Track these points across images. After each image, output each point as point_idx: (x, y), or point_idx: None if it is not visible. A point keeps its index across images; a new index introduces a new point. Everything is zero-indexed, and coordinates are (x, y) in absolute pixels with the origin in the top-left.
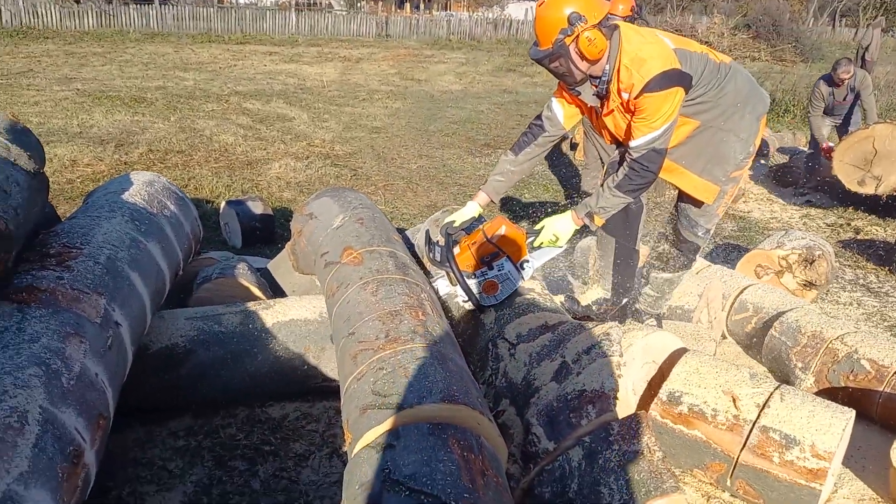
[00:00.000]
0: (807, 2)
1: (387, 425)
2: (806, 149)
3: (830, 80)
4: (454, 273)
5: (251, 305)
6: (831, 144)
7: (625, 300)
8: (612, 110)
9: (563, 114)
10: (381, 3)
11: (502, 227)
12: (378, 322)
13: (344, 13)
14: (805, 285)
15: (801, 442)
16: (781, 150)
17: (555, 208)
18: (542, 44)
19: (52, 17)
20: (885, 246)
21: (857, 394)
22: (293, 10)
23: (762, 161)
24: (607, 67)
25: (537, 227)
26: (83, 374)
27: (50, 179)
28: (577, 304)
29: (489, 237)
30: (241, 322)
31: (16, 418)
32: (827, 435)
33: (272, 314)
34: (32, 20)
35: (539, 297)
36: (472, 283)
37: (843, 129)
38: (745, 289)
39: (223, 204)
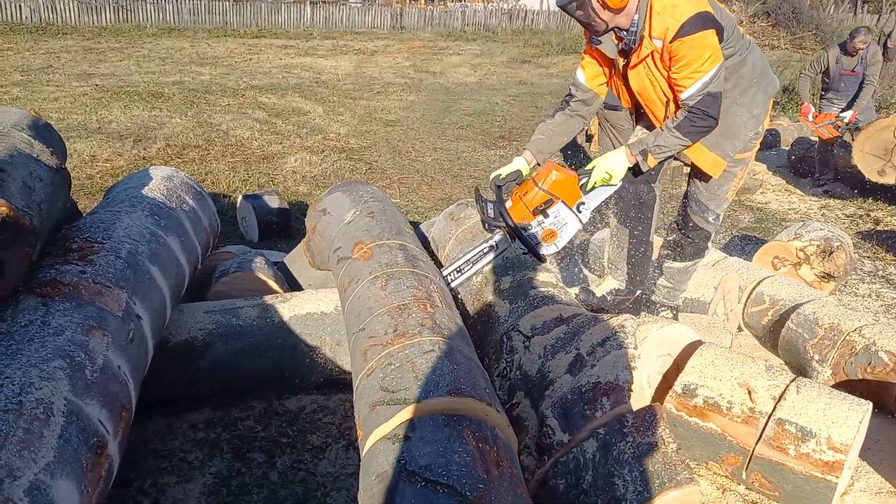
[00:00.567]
0: None
1: (395, 421)
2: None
3: (844, 48)
4: (509, 226)
5: (268, 299)
6: (812, 108)
7: (639, 291)
8: (641, 61)
9: (584, 77)
10: None
11: (552, 172)
12: (387, 317)
13: (358, 5)
14: (823, 277)
15: (818, 434)
16: (800, 141)
17: None
18: None
19: (70, 12)
20: None
21: (875, 386)
22: (308, 3)
23: (773, 151)
24: (636, 17)
25: (588, 167)
26: (106, 367)
27: (70, 175)
28: (592, 295)
29: (540, 185)
30: (258, 315)
31: (41, 410)
32: (843, 427)
33: (289, 307)
34: (51, 16)
35: (554, 290)
36: (530, 235)
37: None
38: (761, 281)
39: (240, 198)
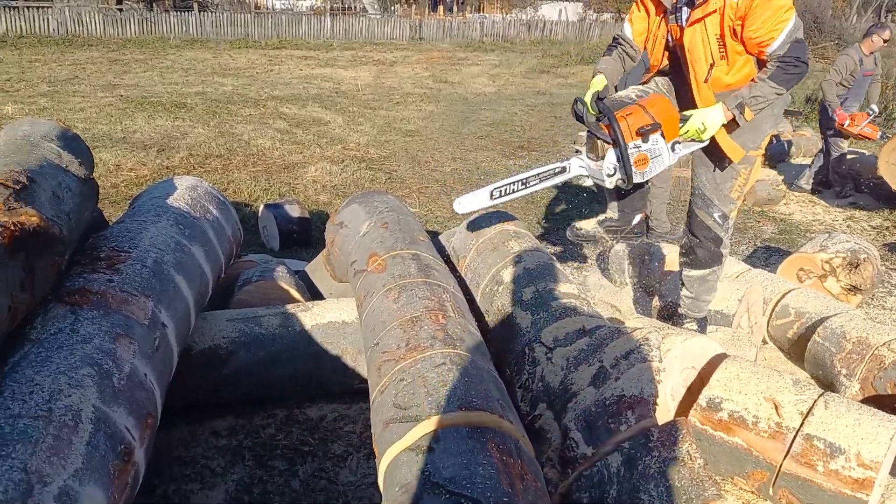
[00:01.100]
0: None
1: (407, 440)
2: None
3: (858, 49)
4: (618, 138)
5: (290, 308)
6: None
7: (637, 217)
8: (708, 15)
9: (632, 31)
10: (414, 6)
11: (660, 101)
12: (399, 330)
13: (378, 17)
14: (849, 290)
15: (847, 451)
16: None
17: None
18: None
19: (96, 24)
20: None
21: None
22: (328, 14)
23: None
24: None
25: (686, 113)
26: (133, 375)
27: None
28: (579, 229)
29: (648, 110)
30: (280, 324)
31: (70, 416)
32: (874, 444)
33: (311, 316)
34: (78, 28)
35: (576, 301)
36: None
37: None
38: (786, 293)
39: (261, 207)
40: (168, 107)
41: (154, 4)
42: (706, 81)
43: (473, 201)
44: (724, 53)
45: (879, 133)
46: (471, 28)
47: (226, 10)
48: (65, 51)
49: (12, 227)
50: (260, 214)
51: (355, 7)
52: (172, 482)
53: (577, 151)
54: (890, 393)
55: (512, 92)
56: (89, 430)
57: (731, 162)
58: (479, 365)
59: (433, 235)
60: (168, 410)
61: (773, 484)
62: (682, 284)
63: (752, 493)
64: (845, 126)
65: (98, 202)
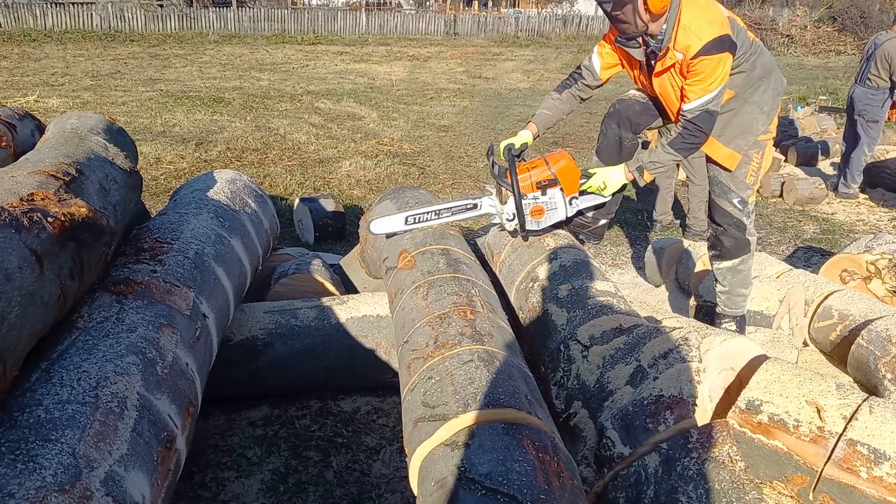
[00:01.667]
0: None
1: (436, 440)
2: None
3: None
4: (514, 189)
5: (326, 301)
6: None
7: (603, 220)
8: (666, 70)
9: (600, 65)
10: (449, 2)
11: (563, 160)
12: (428, 328)
13: (413, 12)
14: (895, 292)
15: (892, 458)
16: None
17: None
18: None
19: (137, 20)
20: None
21: None
22: (363, 10)
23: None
24: (665, 27)
25: (590, 170)
26: (175, 364)
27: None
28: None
29: (551, 166)
30: (316, 317)
31: (116, 403)
32: None
33: (346, 310)
34: (120, 24)
35: (612, 300)
36: (525, 205)
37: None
38: (829, 295)
39: (297, 201)
40: (206, 101)
41: (193, 1)
42: (679, 113)
43: (388, 224)
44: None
45: None
46: (505, 23)
47: (263, 6)
48: (107, 46)
49: (63, 218)
50: (295, 208)
51: (390, 3)
52: (209, 470)
53: (489, 192)
54: None
55: (546, 87)
56: (134, 417)
57: (732, 166)
58: (508, 360)
59: (467, 231)
60: (206, 399)
61: (814, 489)
62: (716, 280)
63: (792, 497)
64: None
65: (141, 194)
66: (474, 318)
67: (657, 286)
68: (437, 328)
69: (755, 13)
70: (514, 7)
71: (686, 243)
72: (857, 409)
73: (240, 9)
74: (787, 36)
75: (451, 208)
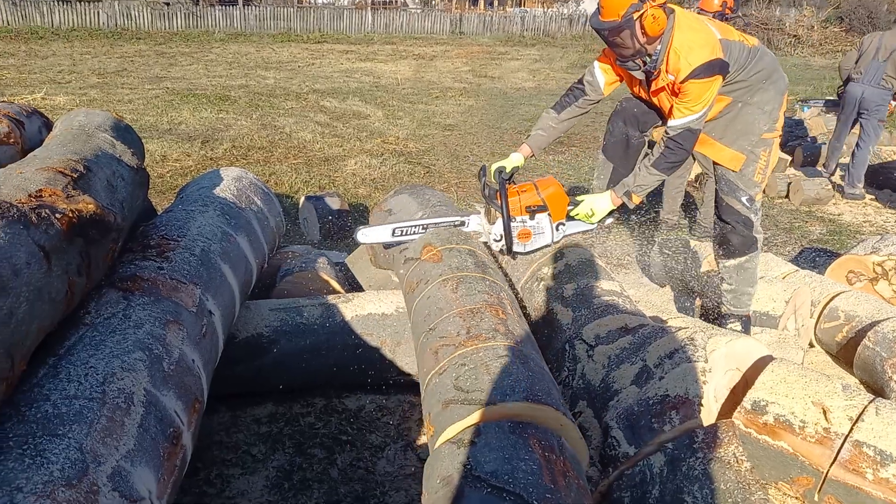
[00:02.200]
0: None
1: (470, 420)
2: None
3: None
4: (503, 212)
5: (331, 299)
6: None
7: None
8: (662, 88)
9: (604, 80)
10: (455, 1)
11: (552, 186)
12: (459, 319)
13: (418, 11)
14: None
15: None
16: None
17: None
18: (608, 15)
19: (144, 18)
20: None
21: None
22: (369, 8)
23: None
24: (659, 48)
25: (578, 198)
26: (182, 360)
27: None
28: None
29: (540, 191)
30: (321, 314)
31: (123, 399)
32: None
33: (351, 307)
34: (126, 22)
35: (618, 299)
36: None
37: None
38: (835, 296)
39: (302, 199)
40: (212, 99)
41: None
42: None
43: (375, 234)
44: None
45: None
46: (511, 22)
47: (269, 5)
48: (114, 44)
49: (70, 215)
50: (301, 206)
51: (396, 2)
52: (214, 466)
53: (478, 210)
54: None
55: (552, 87)
56: (141, 413)
57: (737, 166)
58: (539, 364)
59: None
60: (211, 396)
61: (819, 490)
62: (721, 279)
63: (797, 498)
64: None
65: (148, 191)
66: (506, 318)
67: (662, 286)
68: (468, 320)
69: (762, 13)
70: (520, 6)
71: (692, 243)
72: (864, 410)
73: (246, 7)
74: (794, 36)
75: (438, 224)
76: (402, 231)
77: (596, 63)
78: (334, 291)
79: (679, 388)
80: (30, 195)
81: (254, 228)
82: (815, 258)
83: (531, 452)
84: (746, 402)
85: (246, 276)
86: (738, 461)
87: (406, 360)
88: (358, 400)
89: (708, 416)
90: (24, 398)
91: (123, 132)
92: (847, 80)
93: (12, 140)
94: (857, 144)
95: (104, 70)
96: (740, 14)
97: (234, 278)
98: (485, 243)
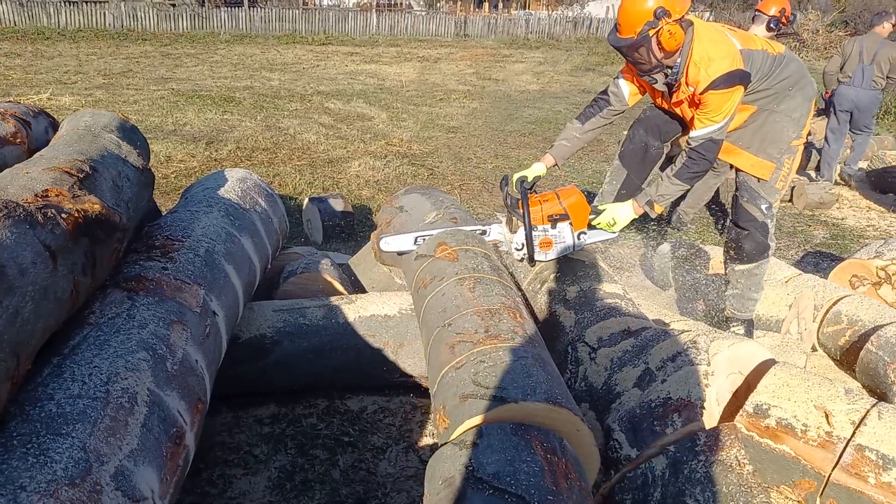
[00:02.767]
0: None
1: (489, 416)
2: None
3: None
4: (525, 221)
5: (334, 300)
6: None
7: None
8: (682, 101)
9: (628, 91)
10: (459, 3)
11: (574, 195)
12: (476, 317)
13: (423, 13)
14: None
15: None
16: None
17: None
18: (624, 33)
19: (149, 19)
20: None
21: None
22: (374, 11)
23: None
24: (679, 61)
25: (600, 207)
26: (185, 360)
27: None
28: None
29: (562, 200)
30: (324, 316)
31: (126, 399)
32: None
33: (354, 309)
34: (132, 23)
35: (621, 302)
36: (535, 235)
37: None
38: (839, 300)
39: (306, 200)
40: (217, 100)
41: (205, 0)
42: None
43: (398, 242)
44: None
45: None
46: (516, 25)
47: (275, 6)
48: (120, 45)
49: (76, 214)
50: (304, 207)
51: (401, 4)
52: (217, 466)
53: (500, 220)
54: None
55: (556, 90)
56: (144, 413)
57: (766, 175)
58: (556, 370)
59: None
60: (213, 396)
61: (821, 494)
62: (727, 282)
63: (799, 502)
64: None
65: (153, 192)
66: (523, 322)
67: (665, 289)
68: (487, 320)
69: None
70: (525, 9)
71: (696, 246)
72: (866, 414)
73: (251, 9)
74: (800, 40)
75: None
76: (424, 240)
77: (620, 75)
78: (337, 293)
79: (681, 391)
80: (36, 195)
81: (258, 229)
82: (819, 262)
83: (533, 454)
84: (749, 405)
85: (250, 276)
86: (740, 464)
87: (409, 362)
88: (360, 401)
89: (710, 419)
90: (29, 397)
91: (129, 133)
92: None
93: (19, 140)
94: (854, 139)
95: (110, 71)
96: (794, 28)
97: (237, 279)
98: (506, 252)
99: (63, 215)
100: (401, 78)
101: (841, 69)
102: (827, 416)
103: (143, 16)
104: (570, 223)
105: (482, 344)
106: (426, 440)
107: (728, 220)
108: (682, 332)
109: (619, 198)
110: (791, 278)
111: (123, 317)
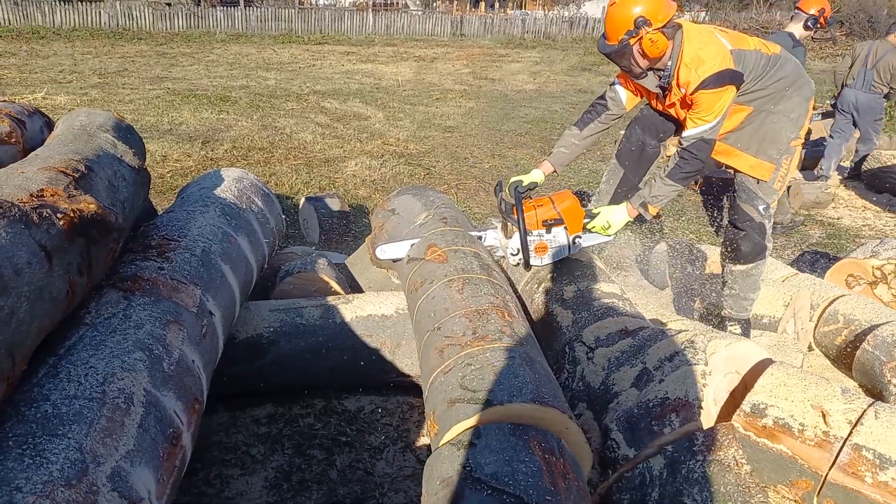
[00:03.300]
0: None
1: (475, 420)
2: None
3: None
4: (520, 226)
5: (331, 300)
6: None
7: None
8: (675, 103)
9: (626, 96)
10: (455, 3)
11: (569, 200)
12: (465, 319)
13: (419, 13)
14: None
15: None
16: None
17: None
18: (610, 39)
19: (145, 19)
20: None
21: None
22: (370, 10)
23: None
24: (670, 63)
25: (595, 210)
26: (182, 360)
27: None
28: None
29: (556, 205)
30: (321, 315)
31: (123, 399)
32: None
33: (351, 309)
34: (128, 22)
35: (618, 301)
36: (529, 240)
37: None
38: (835, 299)
39: (302, 200)
40: (213, 100)
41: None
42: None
43: (394, 251)
44: None
45: None
46: (512, 25)
47: (271, 6)
48: (115, 44)
49: (72, 214)
50: (301, 207)
51: (397, 3)
52: (213, 467)
53: (494, 225)
54: None
55: (553, 89)
56: (140, 413)
57: (766, 176)
58: (545, 367)
59: None
60: (210, 396)
61: (818, 493)
62: (724, 283)
63: (796, 501)
64: None
65: (149, 191)
66: (512, 321)
67: (662, 289)
68: (474, 321)
69: (762, 17)
70: (521, 9)
71: (693, 245)
72: (863, 413)
73: (247, 8)
74: (835, 42)
75: None
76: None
77: (617, 80)
78: (334, 292)
79: (679, 390)
80: (31, 195)
81: (254, 229)
82: (815, 262)
83: (531, 454)
84: (746, 405)
85: (246, 276)
86: (737, 464)
87: (406, 362)
88: (357, 401)
89: (707, 418)
90: (24, 398)
91: (125, 132)
92: (842, 86)
93: (14, 139)
94: (859, 141)
95: (105, 70)
96: (832, 31)
97: (234, 279)
98: (502, 257)
99: (59, 215)
100: (397, 77)
101: (850, 70)
102: (824, 416)
103: (138, 15)
104: (565, 227)
105: (470, 346)
106: (424, 440)
107: (725, 221)
108: (680, 332)
109: (617, 197)
110: (787, 278)
111: (119, 317)
